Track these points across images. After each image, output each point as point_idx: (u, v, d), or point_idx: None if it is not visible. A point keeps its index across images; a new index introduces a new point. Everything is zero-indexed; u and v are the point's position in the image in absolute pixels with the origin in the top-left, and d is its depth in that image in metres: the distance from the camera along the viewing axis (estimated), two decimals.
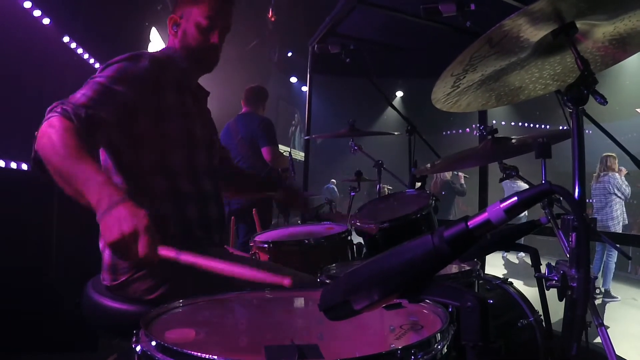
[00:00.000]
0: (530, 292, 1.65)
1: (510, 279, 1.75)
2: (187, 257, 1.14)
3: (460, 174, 7.93)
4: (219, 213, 1.70)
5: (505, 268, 7.82)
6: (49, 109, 1.32)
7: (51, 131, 1.24)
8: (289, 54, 10.22)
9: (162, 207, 1.53)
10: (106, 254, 1.52)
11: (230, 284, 1.45)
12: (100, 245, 1.55)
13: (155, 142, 1.54)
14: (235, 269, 1.16)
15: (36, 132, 1.28)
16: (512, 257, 8.37)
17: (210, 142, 1.77)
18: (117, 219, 1.10)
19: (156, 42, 5.02)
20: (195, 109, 1.70)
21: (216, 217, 1.68)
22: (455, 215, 8.15)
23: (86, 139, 1.28)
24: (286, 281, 1.10)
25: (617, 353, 1.16)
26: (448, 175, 8.06)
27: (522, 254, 8.22)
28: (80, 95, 1.37)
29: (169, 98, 1.58)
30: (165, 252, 1.13)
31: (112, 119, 1.40)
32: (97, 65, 3.43)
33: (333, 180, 11.82)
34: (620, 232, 6.23)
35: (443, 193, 8.06)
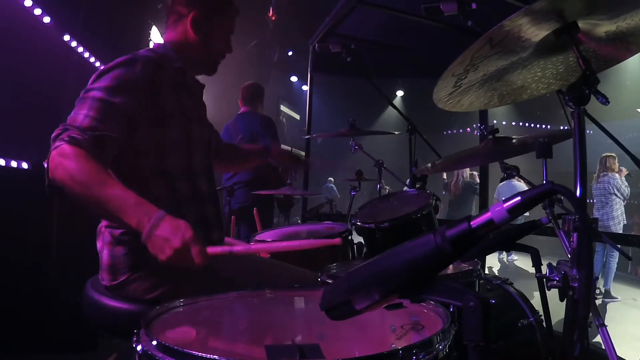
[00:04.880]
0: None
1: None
2: (239, 248, 1.27)
3: (475, 173, 7.76)
4: (217, 212, 1.70)
5: (499, 270, 7.80)
6: (54, 135, 1.30)
7: (66, 162, 1.24)
8: (289, 54, 10.21)
9: (160, 209, 1.52)
10: (104, 254, 1.51)
11: (231, 282, 1.45)
12: (98, 245, 1.55)
13: (154, 145, 1.52)
14: (286, 244, 1.34)
15: (46, 161, 1.27)
16: (505, 259, 8.38)
17: (207, 141, 1.76)
18: (164, 238, 1.18)
19: (157, 41, 5.01)
20: (193, 108, 1.69)
21: (214, 216, 1.67)
22: None
23: (100, 161, 1.29)
24: (336, 240, 1.32)
25: (617, 353, 1.16)
26: (468, 175, 7.90)
27: (513, 256, 8.21)
28: (83, 117, 1.34)
29: (167, 100, 1.56)
30: (216, 250, 1.23)
31: (118, 133, 1.40)
32: (97, 64, 3.42)
33: (331, 179, 11.81)
34: (621, 232, 6.23)
35: (446, 192, 7.97)
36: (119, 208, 1.23)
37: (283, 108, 11.95)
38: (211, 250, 1.21)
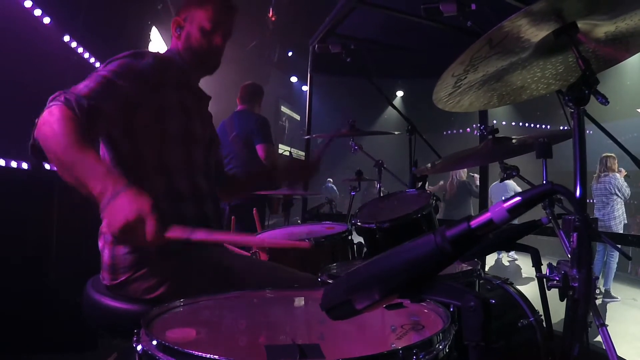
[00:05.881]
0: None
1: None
2: (200, 235, 1.16)
3: (476, 175, 7.73)
4: (215, 210, 1.71)
5: (497, 270, 7.79)
6: (51, 97, 1.32)
7: (52, 119, 1.25)
8: (289, 54, 10.21)
9: (160, 205, 1.53)
10: (105, 254, 1.52)
11: (231, 284, 1.45)
12: (100, 244, 1.55)
13: (154, 139, 1.55)
14: (243, 238, 1.30)
15: (37, 120, 1.29)
16: (506, 261, 8.37)
17: (209, 141, 1.77)
18: (120, 207, 1.13)
19: (156, 42, 5.02)
20: (196, 109, 1.71)
21: (213, 214, 1.68)
22: None
23: (87, 130, 1.29)
24: (305, 244, 1.12)
25: (617, 353, 1.16)
26: (464, 175, 7.90)
27: (514, 255, 8.20)
28: (83, 86, 1.38)
29: (169, 96, 1.59)
30: (176, 233, 1.15)
31: (113, 111, 1.42)
32: (97, 65, 3.42)
33: (330, 179, 11.80)
34: (622, 232, 6.24)
35: (444, 193, 7.97)
36: (85, 174, 1.20)
37: (284, 109, 11.93)
38: (171, 233, 1.14)
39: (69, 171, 1.23)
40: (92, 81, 1.40)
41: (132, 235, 1.13)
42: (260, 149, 3.75)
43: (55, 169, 1.26)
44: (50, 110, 1.28)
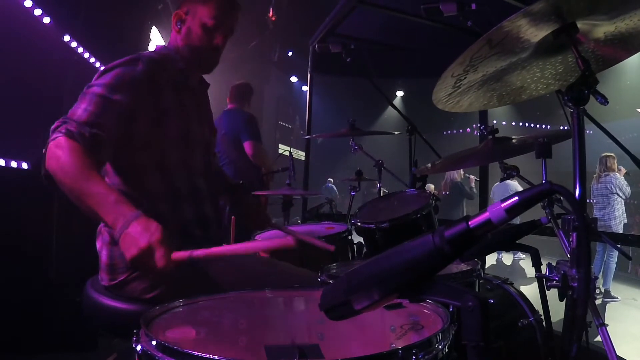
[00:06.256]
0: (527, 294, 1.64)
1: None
2: (199, 252, 1.22)
3: (471, 177, 7.73)
4: (215, 211, 1.71)
5: (499, 270, 7.79)
6: (52, 127, 1.33)
7: (59, 153, 1.27)
8: (290, 54, 10.22)
9: (159, 207, 1.53)
10: (104, 254, 1.52)
11: (228, 280, 1.45)
12: (98, 245, 1.56)
13: (153, 143, 1.54)
14: (242, 247, 1.31)
15: (44, 150, 1.31)
16: (507, 260, 8.37)
17: (208, 141, 1.77)
18: (132, 237, 1.18)
19: (156, 41, 5.01)
20: (194, 108, 1.70)
21: (212, 215, 1.68)
22: None
23: (93, 157, 1.31)
24: (290, 240, 1.18)
25: (617, 353, 1.16)
26: (458, 176, 7.90)
27: (520, 255, 8.20)
28: (82, 111, 1.37)
29: (166, 98, 1.58)
30: (179, 255, 1.20)
31: (115, 130, 1.42)
32: (97, 65, 3.42)
33: (330, 179, 11.81)
34: (622, 231, 6.24)
35: (444, 193, 7.98)
36: (98, 204, 1.24)
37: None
38: (175, 255, 1.20)
39: (80, 201, 1.26)
40: (89, 103, 1.39)
41: (144, 263, 1.18)
42: (247, 146, 3.76)
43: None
44: (56, 142, 1.29)
